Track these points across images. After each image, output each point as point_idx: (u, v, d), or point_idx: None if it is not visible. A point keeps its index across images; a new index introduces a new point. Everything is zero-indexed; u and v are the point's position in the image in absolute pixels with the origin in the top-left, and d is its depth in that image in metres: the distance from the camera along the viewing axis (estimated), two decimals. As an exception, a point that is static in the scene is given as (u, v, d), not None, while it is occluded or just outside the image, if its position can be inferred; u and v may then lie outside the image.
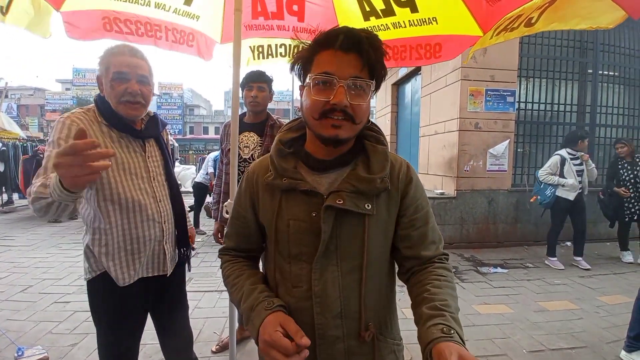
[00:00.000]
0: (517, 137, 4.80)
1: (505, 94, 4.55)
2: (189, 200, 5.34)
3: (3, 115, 6.78)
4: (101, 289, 1.24)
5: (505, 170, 4.66)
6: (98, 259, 1.22)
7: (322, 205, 0.70)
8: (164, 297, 1.47)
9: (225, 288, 0.83)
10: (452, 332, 0.56)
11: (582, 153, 3.79)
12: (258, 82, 1.93)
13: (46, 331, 2.32)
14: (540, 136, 4.94)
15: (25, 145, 7.72)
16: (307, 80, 0.69)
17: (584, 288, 3.32)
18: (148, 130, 1.34)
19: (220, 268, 0.88)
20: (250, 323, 0.69)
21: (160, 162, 1.39)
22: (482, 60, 4.39)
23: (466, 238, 4.64)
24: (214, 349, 2.08)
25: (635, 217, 3.89)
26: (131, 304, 1.31)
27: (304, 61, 0.71)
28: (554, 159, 3.88)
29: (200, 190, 5.28)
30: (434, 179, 5.10)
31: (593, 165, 3.83)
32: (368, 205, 0.70)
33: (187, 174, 8.85)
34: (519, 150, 4.89)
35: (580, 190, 3.76)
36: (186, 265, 1.56)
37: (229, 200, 1.53)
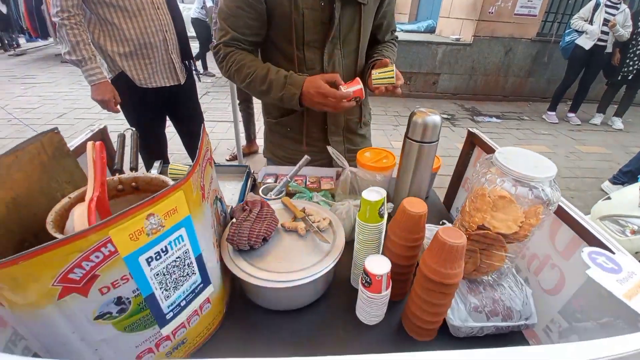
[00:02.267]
0: (562, -27, 4.08)
1: None
2: (195, 45, 5.18)
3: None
4: (124, 87, 1.49)
5: (535, 15, 4.19)
6: (113, 59, 1.42)
7: None
8: (180, 104, 1.76)
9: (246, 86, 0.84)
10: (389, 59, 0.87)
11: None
12: None
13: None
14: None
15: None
16: None
17: (567, 139, 3.55)
18: None
19: (222, 60, 0.85)
20: (287, 90, 0.78)
21: None
22: None
23: (472, 90, 4.64)
24: (227, 158, 2.62)
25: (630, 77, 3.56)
26: (151, 103, 1.59)
27: None
28: (589, 4, 3.47)
29: (201, 26, 4.72)
30: (453, 23, 4.67)
31: (621, 31, 3.33)
32: None
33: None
34: (560, -9, 4.24)
35: (601, 43, 3.47)
36: (195, 76, 1.79)
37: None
